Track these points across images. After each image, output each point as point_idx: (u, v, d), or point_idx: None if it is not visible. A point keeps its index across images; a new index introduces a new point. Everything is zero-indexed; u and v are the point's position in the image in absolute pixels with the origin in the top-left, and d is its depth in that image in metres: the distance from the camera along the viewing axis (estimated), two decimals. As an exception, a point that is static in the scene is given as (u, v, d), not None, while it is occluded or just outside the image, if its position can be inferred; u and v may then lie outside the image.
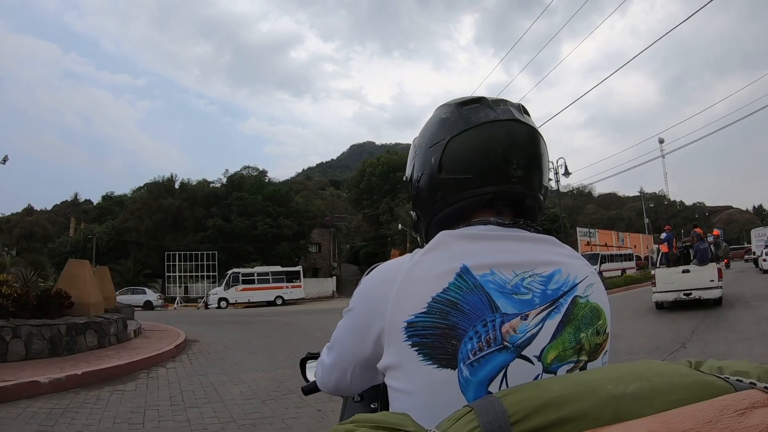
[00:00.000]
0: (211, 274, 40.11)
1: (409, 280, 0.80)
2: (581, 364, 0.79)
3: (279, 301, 34.93)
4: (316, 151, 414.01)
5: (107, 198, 55.83)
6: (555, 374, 0.76)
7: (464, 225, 0.90)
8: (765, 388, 0.50)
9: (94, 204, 58.22)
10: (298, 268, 39.09)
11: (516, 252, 0.83)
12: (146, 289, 34.84)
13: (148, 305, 32.69)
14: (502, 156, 0.89)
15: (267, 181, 52.08)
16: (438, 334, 0.75)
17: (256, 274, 35.41)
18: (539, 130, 0.95)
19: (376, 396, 1.21)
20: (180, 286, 40.86)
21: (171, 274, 40.35)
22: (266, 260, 41.17)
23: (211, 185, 51.22)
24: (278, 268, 37.21)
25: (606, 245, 44.78)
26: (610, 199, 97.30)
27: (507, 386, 0.73)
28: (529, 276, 0.80)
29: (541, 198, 0.95)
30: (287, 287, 35.90)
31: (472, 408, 0.57)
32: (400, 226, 42.33)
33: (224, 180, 51.55)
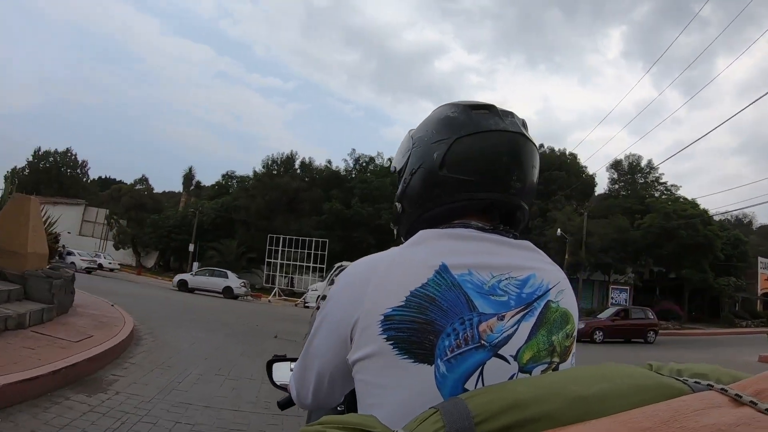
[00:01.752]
0: (319, 265, 32.68)
1: (388, 274, 0.81)
2: (554, 365, 0.81)
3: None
4: None
5: (227, 176, 51.56)
6: (530, 374, 0.79)
7: (445, 226, 0.90)
8: (722, 389, 0.51)
9: (212, 184, 54.36)
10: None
11: (494, 254, 0.85)
12: (228, 273, 28.84)
13: (227, 292, 28.03)
14: (506, 166, 0.91)
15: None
16: (415, 329, 0.76)
17: None
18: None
19: (342, 399, 1.14)
20: (284, 276, 34.54)
21: (272, 260, 33.60)
22: (387, 255, 32.93)
23: (335, 167, 45.33)
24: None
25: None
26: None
27: (483, 384, 0.75)
28: (506, 279, 0.83)
29: (528, 213, 0.99)
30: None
31: (438, 409, 0.58)
32: (559, 231, 32.47)
33: (350, 161, 45.25)
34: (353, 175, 44.06)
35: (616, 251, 33.29)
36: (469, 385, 0.75)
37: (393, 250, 0.87)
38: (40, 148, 68.15)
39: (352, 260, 1.07)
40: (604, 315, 22.27)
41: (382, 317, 0.77)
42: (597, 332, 19.90)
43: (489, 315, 0.78)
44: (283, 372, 1.41)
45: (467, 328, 0.76)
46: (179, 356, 7.24)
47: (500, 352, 0.77)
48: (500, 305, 0.80)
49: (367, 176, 42.02)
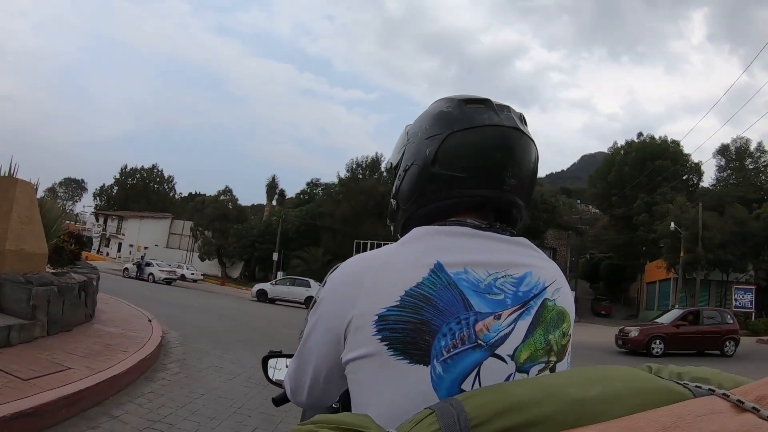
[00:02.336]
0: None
1: (382, 273, 0.80)
2: (551, 365, 0.81)
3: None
4: (543, 163, 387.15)
5: (311, 184, 51.22)
6: (527, 373, 0.78)
7: (440, 223, 0.89)
8: (724, 394, 0.50)
9: (297, 192, 54.18)
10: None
11: (489, 252, 0.84)
12: (311, 282, 27.43)
13: (309, 302, 25.27)
14: (500, 162, 0.89)
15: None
16: (410, 329, 0.75)
17: None
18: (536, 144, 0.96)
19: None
20: (373, 285, 33.05)
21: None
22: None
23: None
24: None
25: None
26: None
27: (480, 384, 0.74)
28: (502, 277, 0.82)
29: (525, 211, 0.96)
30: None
31: (433, 410, 0.57)
32: (672, 225, 29.36)
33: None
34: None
35: (735, 246, 29.51)
36: (466, 385, 0.74)
37: (387, 247, 0.85)
38: (126, 165, 71.22)
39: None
40: (667, 319, 16.98)
41: (377, 317, 0.76)
42: (655, 342, 15.50)
43: (485, 314, 0.77)
44: (278, 368, 1.38)
45: (463, 328, 0.75)
46: (203, 402, 5.17)
47: (497, 351, 0.76)
48: (497, 304, 0.79)
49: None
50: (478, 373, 0.74)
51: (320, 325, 0.87)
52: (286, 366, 1.27)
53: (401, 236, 0.91)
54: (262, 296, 27.34)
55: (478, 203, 0.91)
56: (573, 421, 0.53)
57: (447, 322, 0.75)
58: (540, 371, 0.79)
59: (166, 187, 72.80)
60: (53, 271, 7.80)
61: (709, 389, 0.54)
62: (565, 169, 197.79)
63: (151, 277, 30.98)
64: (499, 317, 0.78)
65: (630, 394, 0.56)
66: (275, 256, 39.86)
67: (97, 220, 64.45)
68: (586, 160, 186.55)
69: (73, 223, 66.19)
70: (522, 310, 0.80)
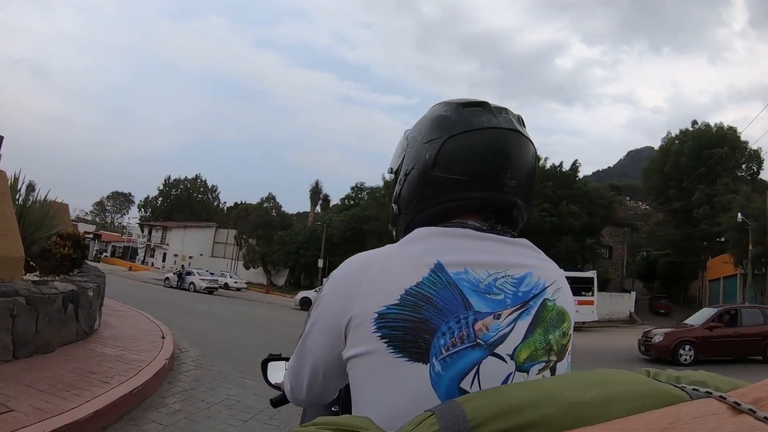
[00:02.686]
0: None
1: (383, 272, 0.80)
2: (551, 364, 0.81)
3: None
4: (589, 161, 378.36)
5: (356, 188, 49.80)
6: (527, 373, 0.79)
7: (441, 225, 0.90)
8: (720, 397, 0.51)
9: (342, 197, 52.87)
10: (592, 273, 25.35)
11: (490, 252, 0.85)
12: None
13: None
14: (498, 164, 0.90)
15: (545, 159, 37.54)
16: (410, 327, 0.76)
17: None
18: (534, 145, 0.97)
19: (337, 399, 1.13)
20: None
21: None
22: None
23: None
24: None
25: None
26: None
27: (479, 383, 0.75)
28: (502, 277, 0.82)
29: (525, 211, 0.96)
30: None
31: (433, 412, 0.59)
32: (740, 216, 26.18)
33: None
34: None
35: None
36: (465, 384, 0.75)
37: (388, 247, 0.86)
38: (170, 176, 71.78)
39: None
40: (697, 320, 13.93)
41: (377, 315, 0.77)
42: (683, 348, 12.70)
43: (485, 313, 0.78)
44: (277, 371, 1.40)
45: (463, 327, 0.76)
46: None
47: (496, 351, 0.77)
48: (496, 304, 0.80)
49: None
50: (477, 372, 0.75)
51: (320, 323, 0.87)
52: (285, 369, 1.24)
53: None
54: (305, 304, 25.96)
55: (479, 205, 0.91)
56: (570, 424, 0.54)
57: (446, 321, 0.76)
58: (540, 371, 0.80)
59: (210, 196, 73.00)
60: (36, 279, 6.34)
61: (707, 392, 0.55)
62: (611, 166, 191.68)
63: (192, 286, 30.37)
64: (498, 317, 0.78)
65: (627, 397, 0.57)
66: (320, 263, 38.54)
67: (142, 231, 64.45)
68: (633, 156, 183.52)
69: (120, 235, 66.97)
70: (522, 310, 0.81)
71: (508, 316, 0.79)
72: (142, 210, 73.60)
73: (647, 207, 63.03)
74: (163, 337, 7.89)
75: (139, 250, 54.76)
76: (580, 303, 22.69)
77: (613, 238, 41.18)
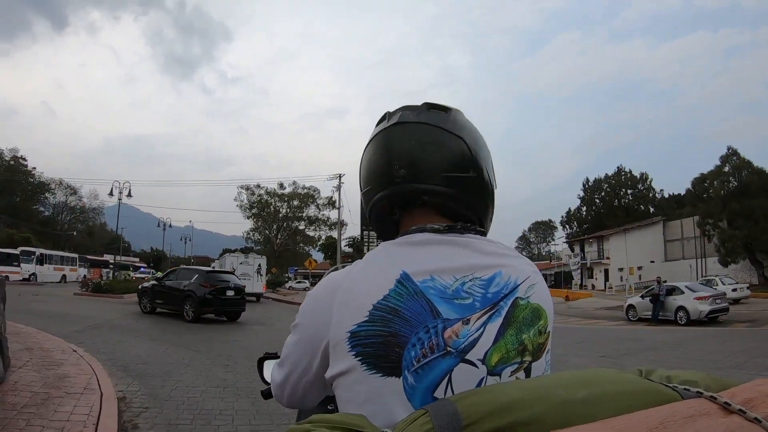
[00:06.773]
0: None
1: (350, 290, 0.81)
2: (525, 365, 0.80)
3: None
4: None
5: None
6: (499, 376, 0.78)
7: (402, 233, 0.91)
8: (711, 397, 0.52)
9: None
10: None
11: (455, 257, 0.84)
12: None
13: None
14: (385, 161, 0.93)
15: None
16: (381, 343, 0.76)
17: None
18: (453, 122, 0.93)
19: (332, 398, 1.14)
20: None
21: None
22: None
23: None
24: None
25: None
26: None
27: (452, 391, 0.75)
28: (470, 280, 0.82)
29: (451, 190, 0.90)
30: None
31: (427, 411, 0.60)
32: None
33: None
34: None
35: None
36: (439, 393, 0.74)
37: (355, 264, 0.87)
38: (587, 178, 63.66)
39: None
40: None
41: (349, 334, 0.78)
42: None
43: (453, 320, 0.77)
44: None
45: (432, 336, 0.76)
46: None
47: (467, 357, 0.76)
48: (465, 308, 0.79)
49: None
50: (449, 380, 0.75)
51: (300, 344, 0.88)
52: None
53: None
54: None
55: (391, 205, 0.94)
56: (562, 422, 0.55)
57: (416, 332, 0.75)
58: (513, 372, 0.78)
59: (641, 187, 60.00)
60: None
61: (698, 392, 0.56)
62: None
63: (682, 313, 17.79)
64: (467, 322, 0.77)
65: (619, 396, 0.58)
66: None
67: (572, 251, 55.64)
68: None
69: (548, 261, 59.73)
70: (492, 312, 0.79)
71: (478, 320, 0.78)
72: (566, 227, 66.06)
73: None
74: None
75: (573, 273, 45.74)
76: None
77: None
